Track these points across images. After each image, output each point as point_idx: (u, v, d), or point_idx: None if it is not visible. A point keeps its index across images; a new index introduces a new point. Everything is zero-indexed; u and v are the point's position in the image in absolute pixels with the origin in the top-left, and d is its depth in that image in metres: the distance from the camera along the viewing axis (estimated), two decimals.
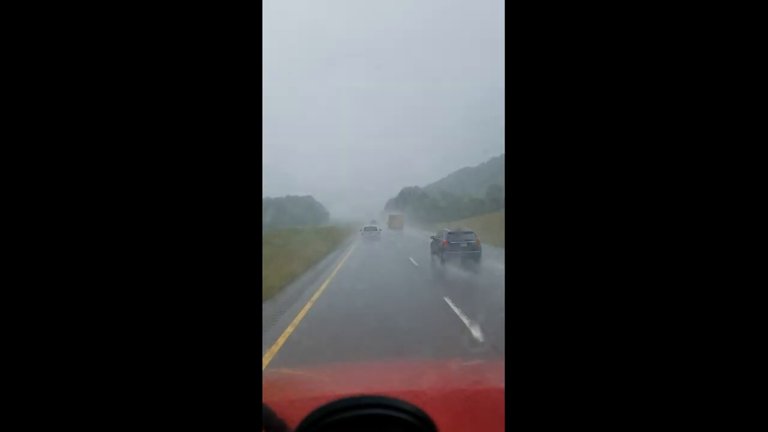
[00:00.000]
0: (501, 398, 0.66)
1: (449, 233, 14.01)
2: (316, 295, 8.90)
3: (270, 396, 1.22)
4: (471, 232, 14.11)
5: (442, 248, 13.70)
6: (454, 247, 13.32)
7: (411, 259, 15.57)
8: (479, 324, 5.93)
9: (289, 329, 6.08)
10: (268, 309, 7.42)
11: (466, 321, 6.20)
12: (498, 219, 27.99)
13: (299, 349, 5.15)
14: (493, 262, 12.83)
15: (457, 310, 6.84)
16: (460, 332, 5.69)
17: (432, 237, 16.08)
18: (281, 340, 5.52)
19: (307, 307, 7.67)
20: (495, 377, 1.39)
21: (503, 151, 0.72)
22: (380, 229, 31.58)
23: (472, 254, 13.26)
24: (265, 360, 4.75)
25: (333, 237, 29.16)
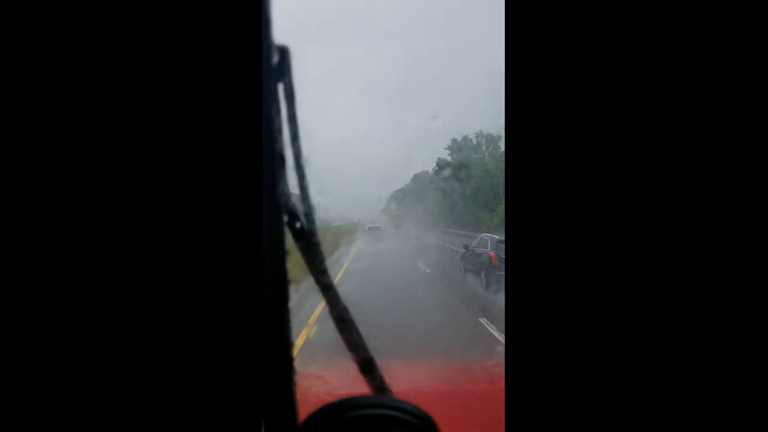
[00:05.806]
0: (501, 398, 0.66)
1: (499, 241, 9.21)
2: None
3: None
4: None
5: (485, 265, 8.98)
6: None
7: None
8: None
9: None
10: None
11: None
12: None
13: None
14: None
15: None
16: None
17: (464, 247, 10.98)
18: None
19: None
20: (495, 377, 1.39)
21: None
22: (384, 229, 33.02)
23: None
24: None
25: None
